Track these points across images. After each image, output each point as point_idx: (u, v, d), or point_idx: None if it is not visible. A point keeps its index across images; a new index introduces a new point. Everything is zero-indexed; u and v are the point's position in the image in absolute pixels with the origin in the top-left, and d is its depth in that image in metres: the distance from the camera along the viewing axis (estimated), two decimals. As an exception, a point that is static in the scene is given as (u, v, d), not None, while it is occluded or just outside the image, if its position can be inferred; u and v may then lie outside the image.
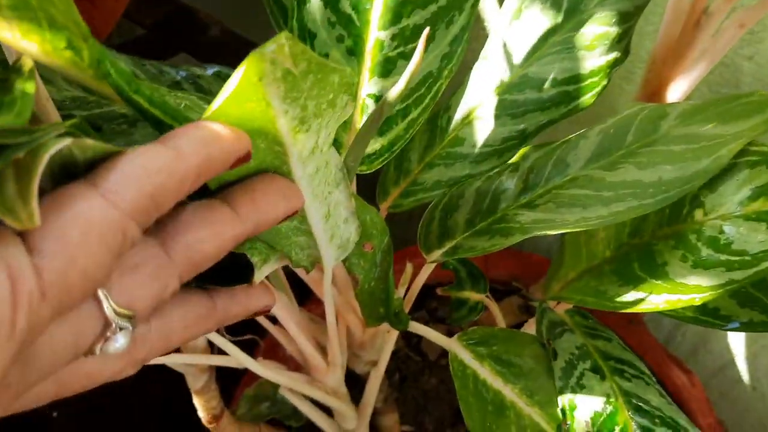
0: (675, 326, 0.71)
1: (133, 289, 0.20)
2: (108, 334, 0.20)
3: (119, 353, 0.21)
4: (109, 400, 0.88)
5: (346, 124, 0.38)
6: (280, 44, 0.19)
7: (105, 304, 0.19)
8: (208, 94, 0.41)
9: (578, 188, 0.37)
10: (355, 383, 0.53)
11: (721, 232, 0.35)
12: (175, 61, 0.61)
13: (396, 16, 0.36)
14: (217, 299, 0.26)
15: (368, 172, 0.37)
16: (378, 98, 0.36)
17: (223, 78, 0.43)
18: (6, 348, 0.16)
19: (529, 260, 0.66)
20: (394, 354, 0.64)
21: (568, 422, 0.35)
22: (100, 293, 0.19)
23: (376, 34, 0.36)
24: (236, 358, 0.40)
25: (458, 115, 0.43)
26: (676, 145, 0.36)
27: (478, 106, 0.42)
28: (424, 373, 0.63)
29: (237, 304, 0.27)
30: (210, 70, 0.43)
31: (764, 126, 0.34)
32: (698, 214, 0.36)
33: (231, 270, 0.30)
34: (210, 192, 0.25)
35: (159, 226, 0.22)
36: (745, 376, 0.67)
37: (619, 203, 0.35)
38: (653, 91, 0.45)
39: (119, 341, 0.20)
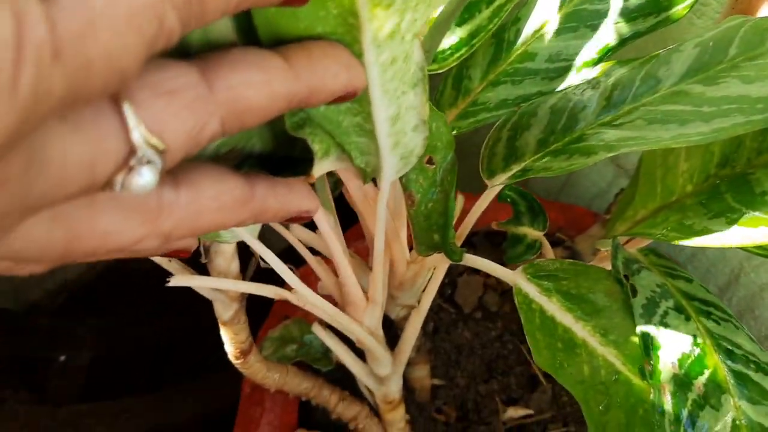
0: (721, 291, 0.67)
1: (166, 117, 0.16)
2: (132, 163, 0.16)
3: (141, 214, 0.18)
4: (119, 345, 0.85)
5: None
6: None
7: (131, 122, 0.15)
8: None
9: (673, 104, 0.33)
10: (386, 330, 0.49)
11: (838, 156, 0.31)
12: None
13: None
14: (256, 186, 0.22)
15: (440, 71, 0.33)
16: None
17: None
18: (6, 106, 0.12)
19: (573, 212, 0.62)
20: (426, 304, 0.61)
21: (652, 362, 0.31)
22: (126, 108, 0.15)
23: None
24: (286, 276, 0.36)
25: (528, 28, 0.39)
26: (789, 57, 0.32)
27: (553, 17, 0.38)
28: (457, 326, 0.60)
29: (277, 197, 0.23)
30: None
31: None
32: (810, 136, 0.32)
33: (284, 165, 0.26)
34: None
35: (200, 61, 0.18)
36: (793, 346, 0.63)
37: (723, 119, 0.31)
38: (742, 13, 0.40)
39: (144, 177, 0.16)
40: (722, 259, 0.66)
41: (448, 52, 0.33)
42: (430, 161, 0.33)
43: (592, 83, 0.36)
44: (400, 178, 0.32)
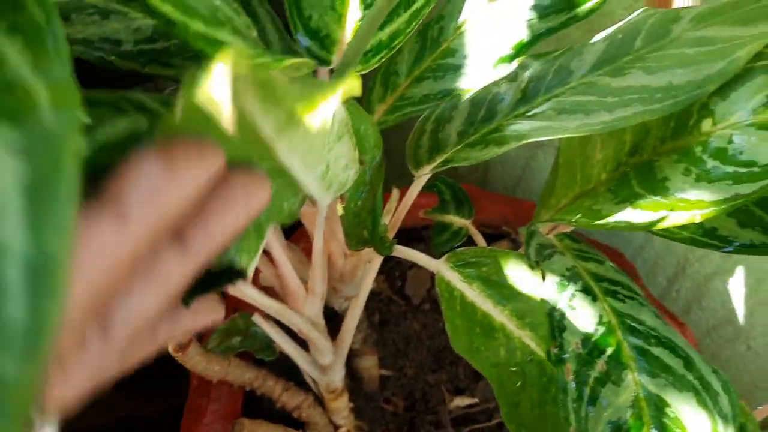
0: (669, 283, 0.69)
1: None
2: None
3: None
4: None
5: (340, 17, 0.35)
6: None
7: None
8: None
9: (581, 95, 0.34)
10: (330, 322, 0.50)
11: (730, 142, 0.32)
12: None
13: None
14: (158, 325, 0.22)
15: (364, 72, 0.34)
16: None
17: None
18: None
19: (522, 206, 0.64)
20: (376, 296, 0.62)
21: (558, 344, 0.32)
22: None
23: None
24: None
25: (451, 26, 0.40)
26: (688, 47, 0.33)
27: (472, 15, 0.39)
28: (406, 318, 0.61)
29: (180, 327, 0.23)
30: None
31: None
32: (706, 124, 0.33)
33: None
34: None
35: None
36: (739, 334, 0.65)
37: (625, 108, 0.32)
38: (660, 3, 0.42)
39: None
40: (668, 251, 0.67)
41: (371, 53, 0.34)
42: (359, 162, 0.34)
43: (510, 76, 0.37)
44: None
